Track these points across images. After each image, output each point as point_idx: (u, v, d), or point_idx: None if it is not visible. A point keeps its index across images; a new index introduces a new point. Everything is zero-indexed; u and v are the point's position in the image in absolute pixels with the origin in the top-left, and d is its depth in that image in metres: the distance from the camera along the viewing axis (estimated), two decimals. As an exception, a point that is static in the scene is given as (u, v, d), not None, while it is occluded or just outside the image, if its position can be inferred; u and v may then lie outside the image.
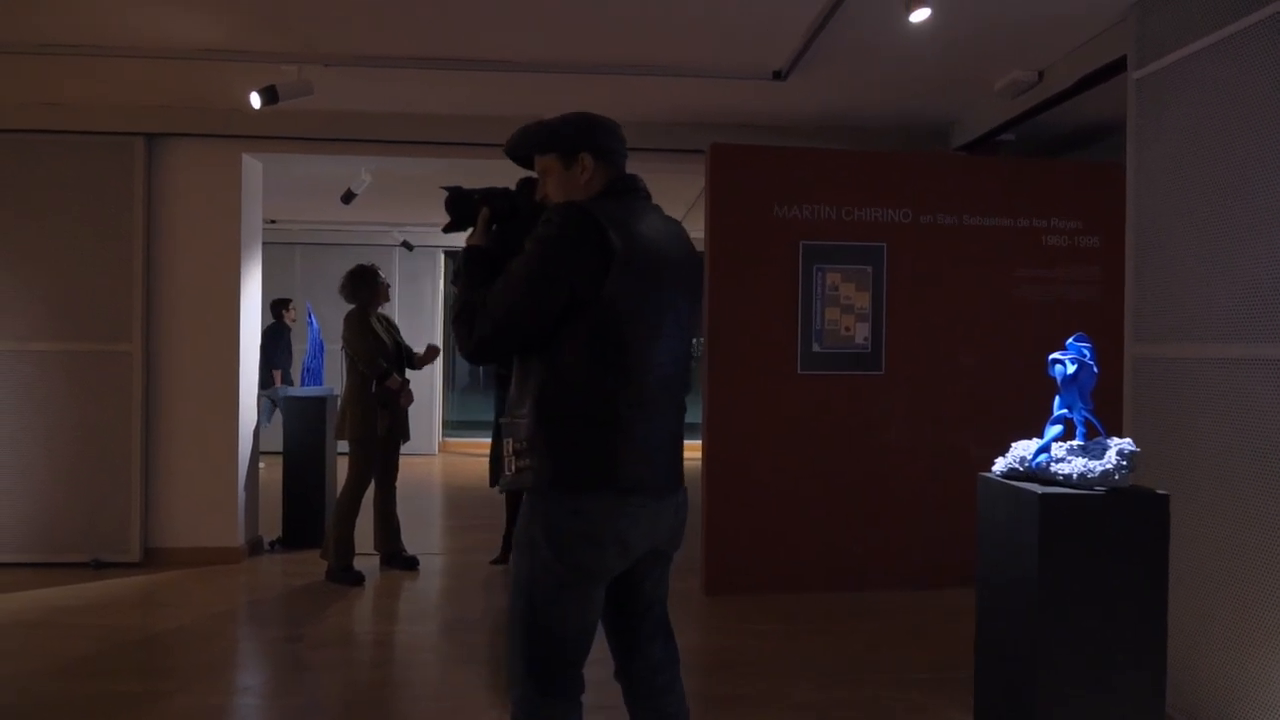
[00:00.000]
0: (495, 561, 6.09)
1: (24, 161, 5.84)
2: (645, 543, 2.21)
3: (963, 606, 5.22)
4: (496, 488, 2.28)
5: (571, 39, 4.61)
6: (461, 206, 2.35)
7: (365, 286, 5.69)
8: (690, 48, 4.73)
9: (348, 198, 7.44)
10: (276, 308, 10.14)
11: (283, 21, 4.42)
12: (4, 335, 5.84)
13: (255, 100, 4.75)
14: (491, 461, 6.01)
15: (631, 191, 2.25)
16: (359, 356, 5.57)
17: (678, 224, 2.32)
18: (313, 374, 6.78)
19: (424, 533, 7.19)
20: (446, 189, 2.38)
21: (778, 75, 5.04)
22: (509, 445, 2.18)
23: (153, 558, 5.96)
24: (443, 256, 12.36)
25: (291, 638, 4.68)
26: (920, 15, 3.31)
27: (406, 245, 11.46)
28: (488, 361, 2.23)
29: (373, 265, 5.87)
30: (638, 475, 2.14)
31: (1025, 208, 5.64)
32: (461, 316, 2.17)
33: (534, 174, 2.36)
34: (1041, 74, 4.91)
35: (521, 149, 2.32)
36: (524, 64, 4.94)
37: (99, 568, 5.80)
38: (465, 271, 2.25)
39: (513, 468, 2.17)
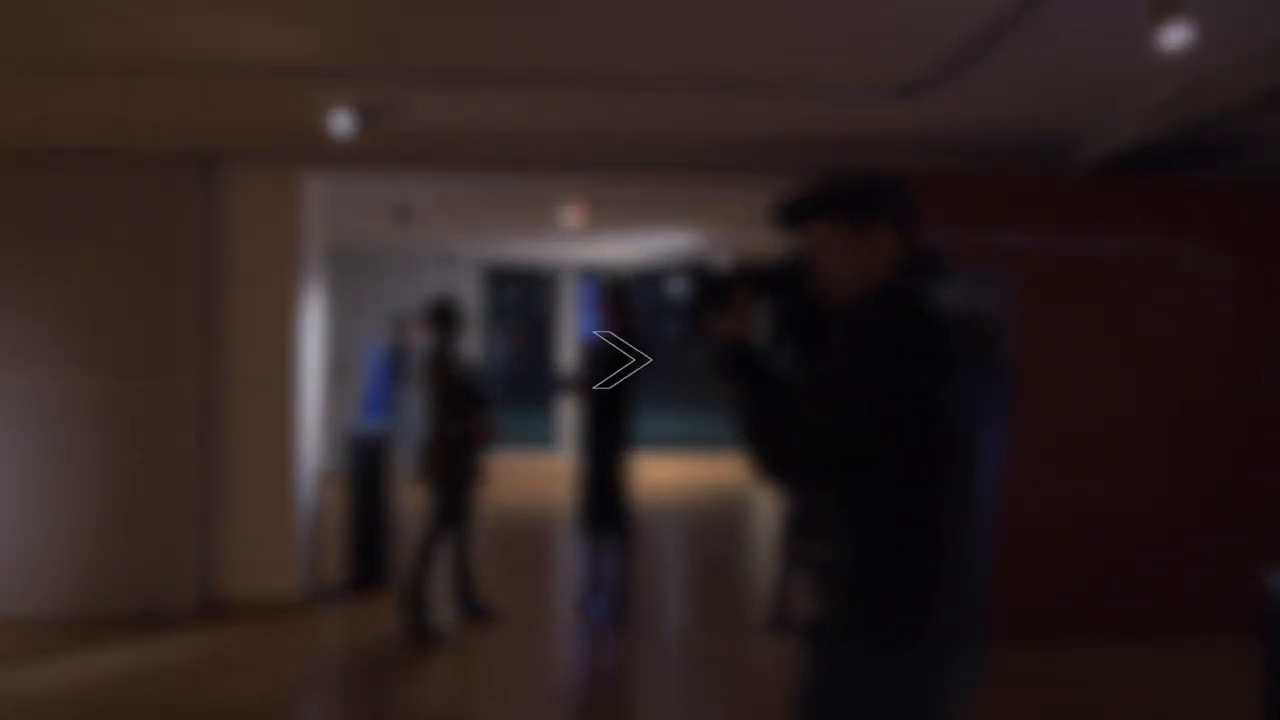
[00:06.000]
0: (579, 608, 5.68)
1: (72, 183, 5.42)
2: (960, 699, 1.80)
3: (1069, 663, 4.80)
4: (779, 632, 1.84)
5: (669, 48, 4.17)
6: (713, 289, 1.92)
7: (449, 322, 5.26)
8: (810, 64, 4.32)
9: (403, 215, 7.04)
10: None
11: (369, 38, 4.00)
12: (51, 370, 5.41)
13: (342, 123, 4.32)
14: (586, 503, 5.56)
15: (939, 268, 1.82)
16: (440, 399, 5.15)
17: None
18: (374, 406, 6.36)
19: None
20: (693, 269, 1.96)
21: (903, 92, 4.62)
22: (802, 582, 1.76)
23: (212, 609, 5.51)
24: (476, 269, 11.94)
25: (376, 716, 4.26)
26: (1177, 36, 2.87)
27: (446, 259, 11.05)
28: (797, 484, 1.80)
29: (454, 298, 5.45)
30: (965, 622, 1.75)
31: (1156, 231, 5.25)
32: (759, 429, 1.76)
33: (794, 249, 1.94)
34: (1194, 88, 4.49)
35: (796, 215, 1.89)
36: (619, 79, 4.51)
37: (157, 622, 5.36)
38: (734, 370, 1.83)
39: (811, 611, 1.75)
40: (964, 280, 1.81)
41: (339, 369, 9.14)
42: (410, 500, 5.78)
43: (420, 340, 5.28)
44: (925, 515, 1.70)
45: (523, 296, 19.37)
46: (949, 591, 1.71)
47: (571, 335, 12.50)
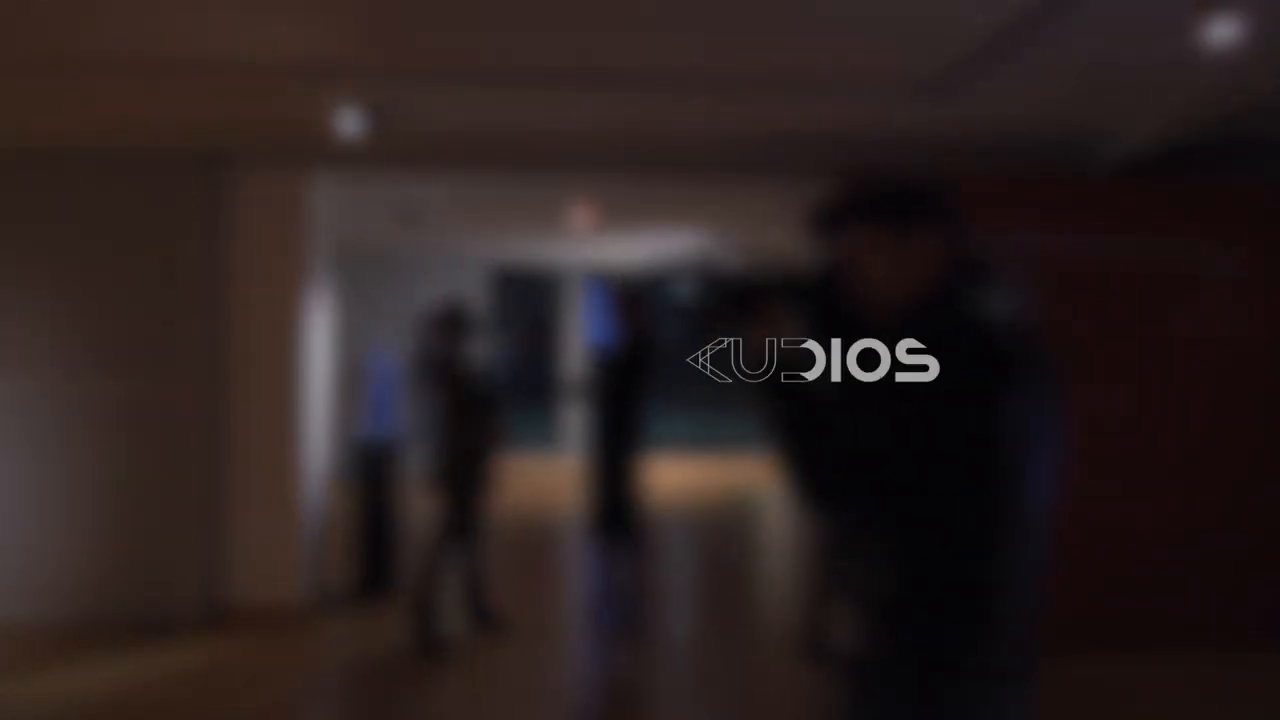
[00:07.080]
0: (591, 616, 5.59)
1: (74, 184, 5.34)
2: None
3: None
4: (814, 660, 1.74)
5: (679, 46, 4.05)
6: (731, 295, 1.80)
7: (460, 329, 5.17)
8: (826, 62, 4.21)
9: (410, 216, 6.94)
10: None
11: (376, 37, 3.90)
12: (52, 373, 5.33)
13: (351, 122, 4.22)
14: (597, 508, 5.45)
15: (987, 276, 1.72)
16: (450, 405, 5.07)
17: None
18: (380, 412, 6.27)
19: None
20: (703, 277, 1.83)
21: (919, 91, 4.51)
22: (847, 607, 1.66)
23: (217, 616, 5.42)
24: (483, 270, 11.84)
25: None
26: (1225, 31, 2.74)
27: (453, 260, 10.95)
28: (840, 505, 1.70)
29: (464, 303, 5.36)
30: (1016, 649, 1.65)
31: (1177, 232, 5.14)
32: (800, 449, 1.66)
33: (826, 255, 1.84)
34: (1227, 86, 4.37)
35: (836, 221, 1.79)
36: (628, 78, 4.40)
37: (161, 628, 5.28)
38: (770, 388, 1.72)
39: (852, 640, 1.65)
40: (1011, 288, 1.72)
41: (345, 373, 9.05)
42: (418, 507, 5.69)
43: (431, 344, 5.20)
44: (976, 536, 1.59)
45: (529, 298, 19.28)
46: (1000, 616, 1.61)
47: (577, 336, 12.41)
